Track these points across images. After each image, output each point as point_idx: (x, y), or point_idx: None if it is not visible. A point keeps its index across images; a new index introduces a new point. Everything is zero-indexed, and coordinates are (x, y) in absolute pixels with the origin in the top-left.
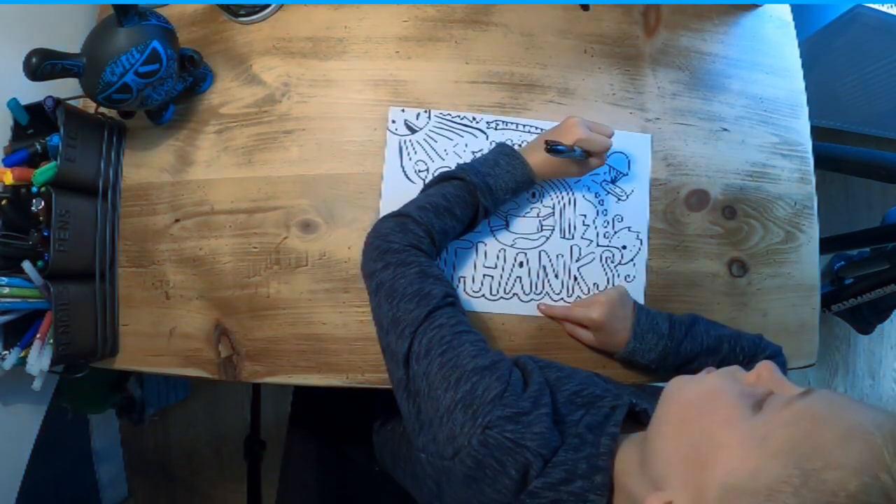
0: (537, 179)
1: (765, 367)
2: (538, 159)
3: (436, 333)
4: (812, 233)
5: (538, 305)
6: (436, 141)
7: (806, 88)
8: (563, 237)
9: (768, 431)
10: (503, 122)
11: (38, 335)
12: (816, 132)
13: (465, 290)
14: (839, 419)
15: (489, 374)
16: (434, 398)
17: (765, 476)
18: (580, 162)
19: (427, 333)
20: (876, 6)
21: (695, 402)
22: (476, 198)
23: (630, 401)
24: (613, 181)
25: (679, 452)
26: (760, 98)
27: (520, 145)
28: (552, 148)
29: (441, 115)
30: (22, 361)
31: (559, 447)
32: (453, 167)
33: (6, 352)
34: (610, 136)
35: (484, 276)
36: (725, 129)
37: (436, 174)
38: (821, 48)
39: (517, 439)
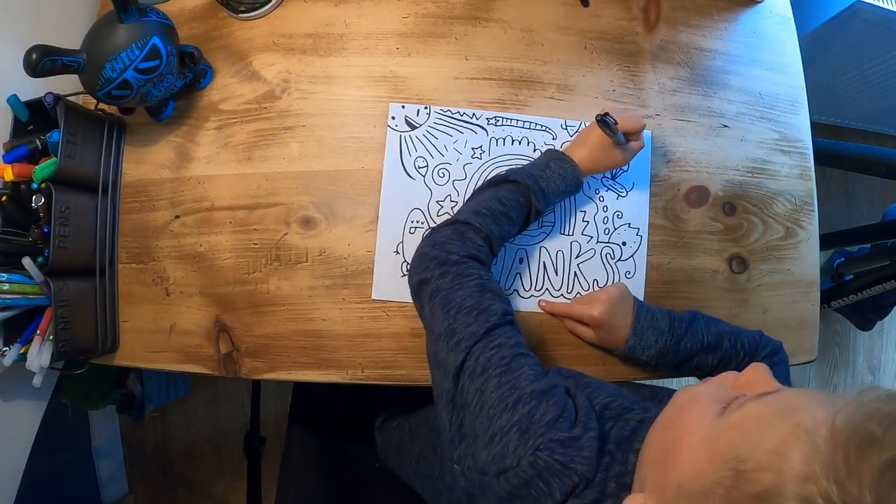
0: (584, 178)
1: (753, 369)
2: (582, 155)
3: (494, 353)
4: (812, 229)
5: (539, 302)
6: (436, 137)
7: (806, 84)
8: (563, 233)
9: (718, 434)
10: (503, 118)
11: (38, 332)
12: (816, 128)
13: None
14: (785, 420)
15: (547, 399)
16: (486, 416)
17: (704, 478)
18: (623, 147)
19: (485, 352)
20: (875, 2)
21: (678, 408)
22: (529, 200)
23: (657, 414)
24: (613, 177)
25: (657, 456)
26: (760, 94)
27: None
28: (602, 119)
29: (441, 112)
30: (22, 358)
31: (598, 469)
32: (505, 171)
33: (6, 348)
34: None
35: None
36: (725, 126)
37: (488, 178)
38: (821, 44)
39: (567, 462)
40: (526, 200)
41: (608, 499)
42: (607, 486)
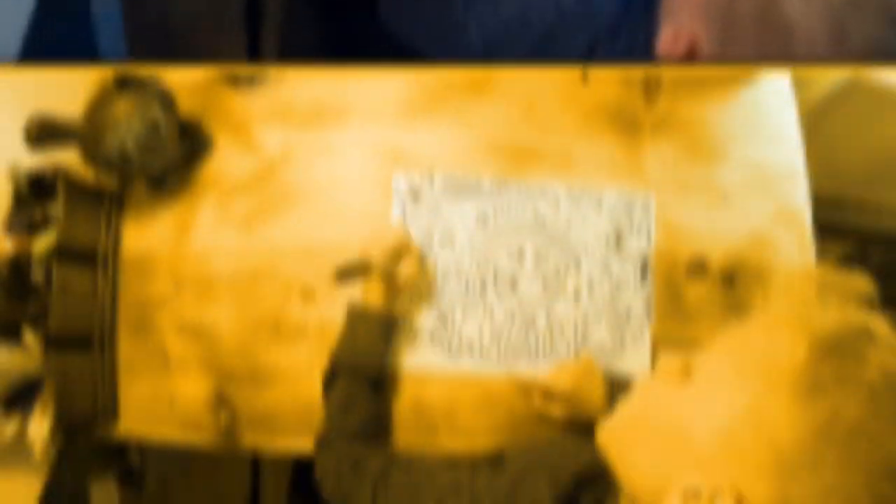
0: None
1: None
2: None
3: None
4: None
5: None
6: (440, 207)
7: (806, 157)
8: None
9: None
10: (507, 187)
11: (37, 404)
12: (816, 200)
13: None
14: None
15: None
16: None
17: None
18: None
19: None
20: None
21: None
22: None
23: None
24: (617, 244)
25: (655, 468)
26: (760, 167)
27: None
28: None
29: (445, 181)
30: (22, 430)
31: None
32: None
33: (6, 420)
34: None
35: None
36: (725, 198)
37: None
38: (821, 118)
39: None
40: (357, 381)
41: None
42: None
